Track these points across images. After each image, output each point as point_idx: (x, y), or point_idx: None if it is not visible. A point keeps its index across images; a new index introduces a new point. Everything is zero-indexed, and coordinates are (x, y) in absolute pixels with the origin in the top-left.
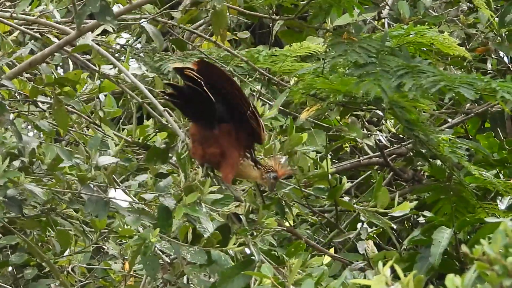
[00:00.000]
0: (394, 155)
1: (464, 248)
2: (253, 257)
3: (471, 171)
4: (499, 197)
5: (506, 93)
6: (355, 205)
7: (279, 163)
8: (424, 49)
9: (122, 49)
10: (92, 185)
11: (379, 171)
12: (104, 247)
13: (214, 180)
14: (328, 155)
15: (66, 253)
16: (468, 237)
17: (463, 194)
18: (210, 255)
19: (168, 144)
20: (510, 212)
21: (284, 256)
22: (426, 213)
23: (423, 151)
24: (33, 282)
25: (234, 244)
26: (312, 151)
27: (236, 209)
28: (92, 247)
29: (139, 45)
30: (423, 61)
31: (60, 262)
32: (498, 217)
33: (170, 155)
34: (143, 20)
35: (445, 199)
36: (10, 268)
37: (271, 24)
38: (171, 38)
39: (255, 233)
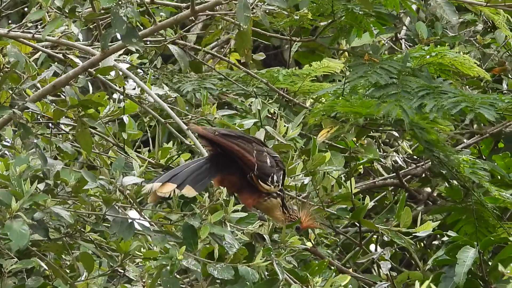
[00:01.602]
0: (409, 176)
1: (500, 267)
2: (277, 276)
3: (491, 192)
4: None
5: None
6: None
7: (308, 214)
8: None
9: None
10: (116, 207)
11: (393, 192)
12: (120, 270)
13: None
14: (344, 175)
15: (83, 277)
16: (490, 256)
17: (483, 214)
18: (238, 271)
19: None
20: None
21: (307, 274)
22: (451, 232)
23: (443, 171)
24: None
25: (260, 260)
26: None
27: (259, 229)
28: (109, 270)
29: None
30: (444, 81)
31: (78, 286)
32: None
33: None
34: (161, 42)
35: (466, 220)
36: None
37: (287, 46)
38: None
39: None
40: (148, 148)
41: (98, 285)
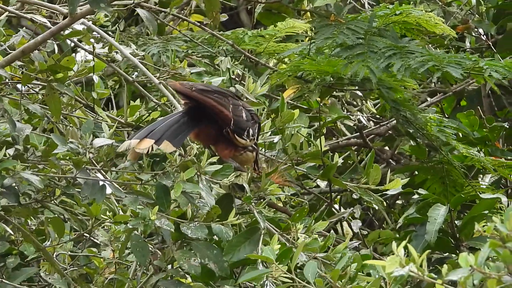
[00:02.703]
0: (372, 135)
1: (476, 226)
2: (258, 225)
3: (458, 150)
4: (481, 175)
5: (494, 71)
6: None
7: (278, 173)
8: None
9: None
10: (87, 169)
11: (356, 152)
12: (85, 234)
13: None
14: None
15: (48, 242)
16: (458, 214)
17: (451, 173)
18: (211, 230)
19: None
20: (498, 189)
21: (289, 222)
22: (421, 190)
23: (410, 130)
24: (15, 270)
25: (236, 215)
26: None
27: (237, 179)
28: (75, 234)
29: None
30: (411, 41)
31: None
32: (492, 194)
33: None
34: (125, 5)
35: (433, 179)
36: None
37: (247, 6)
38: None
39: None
40: (112, 110)
41: (67, 249)
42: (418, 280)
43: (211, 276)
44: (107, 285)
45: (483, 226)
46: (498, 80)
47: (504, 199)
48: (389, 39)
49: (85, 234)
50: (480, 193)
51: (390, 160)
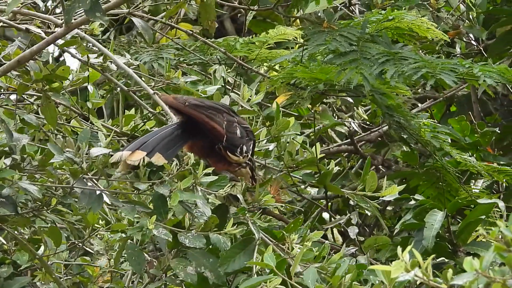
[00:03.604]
0: (363, 142)
1: (481, 231)
2: (253, 236)
3: (452, 155)
4: (473, 180)
5: (488, 77)
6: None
7: (276, 189)
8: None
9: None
10: (84, 179)
11: (347, 158)
12: (77, 242)
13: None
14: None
15: (41, 251)
16: (453, 219)
17: (446, 178)
18: (209, 239)
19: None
20: (493, 194)
21: (284, 232)
22: (418, 196)
23: (404, 136)
24: (8, 280)
25: (232, 226)
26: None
27: (231, 190)
28: (68, 243)
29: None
30: (404, 47)
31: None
32: (488, 199)
33: None
34: (118, 14)
35: (427, 184)
36: None
37: (239, 15)
38: (138, 31)
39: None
40: (103, 119)
41: (62, 258)
42: (415, 286)
43: (206, 284)
44: None
45: (483, 229)
46: (494, 86)
47: (501, 204)
48: (382, 45)
49: (79, 243)
50: (476, 198)
51: (380, 166)
